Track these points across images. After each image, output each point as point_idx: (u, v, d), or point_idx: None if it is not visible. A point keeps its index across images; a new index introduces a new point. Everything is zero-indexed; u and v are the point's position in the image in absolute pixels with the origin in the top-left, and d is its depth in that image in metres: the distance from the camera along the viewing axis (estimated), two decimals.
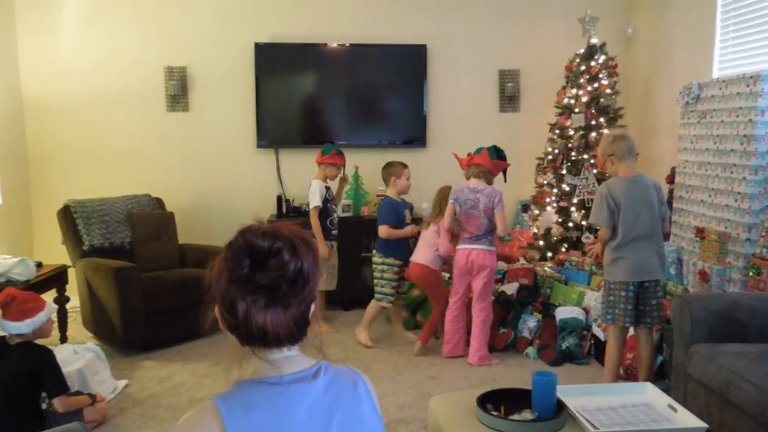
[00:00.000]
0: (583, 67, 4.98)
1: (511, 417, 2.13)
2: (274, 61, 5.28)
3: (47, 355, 2.80)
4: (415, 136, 5.49)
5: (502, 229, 3.96)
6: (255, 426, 1.01)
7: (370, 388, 1.19)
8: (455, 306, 4.03)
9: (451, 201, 3.98)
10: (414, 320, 4.69)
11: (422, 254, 4.15)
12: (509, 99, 5.62)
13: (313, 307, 1.13)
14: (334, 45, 5.33)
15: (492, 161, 4.03)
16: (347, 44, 5.34)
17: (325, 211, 4.52)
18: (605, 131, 4.86)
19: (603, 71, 4.93)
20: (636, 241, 3.19)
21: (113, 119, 5.22)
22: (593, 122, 4.90)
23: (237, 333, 1.06)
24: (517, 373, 3.82)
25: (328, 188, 4.58)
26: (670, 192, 4.39)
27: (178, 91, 5.23)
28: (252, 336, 1.05)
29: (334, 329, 4.59)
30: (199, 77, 5.30)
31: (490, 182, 4.03)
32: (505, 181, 4.21)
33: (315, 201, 4.45)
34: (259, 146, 5.36)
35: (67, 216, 4.51)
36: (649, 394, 2.32)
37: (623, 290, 3.21)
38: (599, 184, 4.75)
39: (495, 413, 2.14)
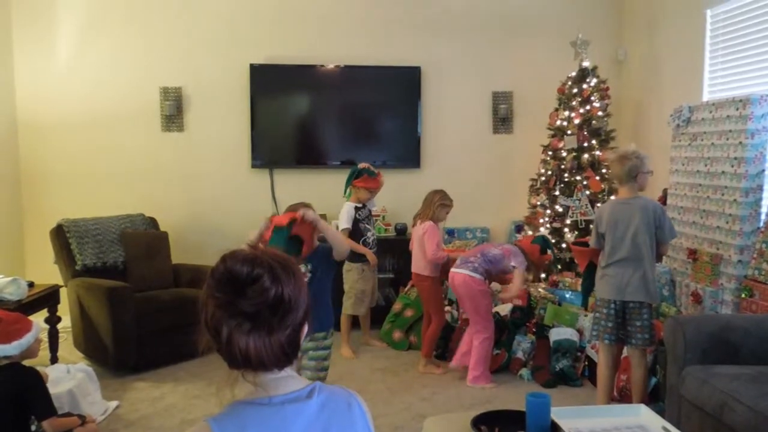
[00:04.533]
0: (575, 90, 5.04)
1: None
2: (269, 82, 5.32)
3: (36, 377, 2.76)
4: (409, 157, 5.52)
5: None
6: None
7: (365, 408, 1.19)
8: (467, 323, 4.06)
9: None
10: (407, 341, 4.67)
11: (414, 262, 4.24)
12: (502, 120, 5.68)
13: (305, 330, 1.13)
14: (329, 66, 5.38)
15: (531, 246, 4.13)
16: (342, 65, 5.39)
17: (356, 233, 4.48)
18: (598, 153, 4.91)
19: (595, 94, 4.99)
20: (621, 262, 3.23)
21: (108, 139, 5.22)
22: (585, 144, 4.95)
23: (223, 356, 1.08)
24: (510, 394, 3.80)
25: (360, 208, 4.53)
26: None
27: (174, 111, 5.26)
28: (236, 360, 1.06)
29: (356, 356, 4.53)
30: (194, 97, 5.33)
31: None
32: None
33: (342, 224, 4.45)
34: (253, 166, 5.38)
35: (60, 235, 4.49)
36: (644, 416, 2.31)
37: (605, 307, 3.28)
38: (592, 206, 4.80)
39: None
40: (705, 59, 4.43)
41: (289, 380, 1.12)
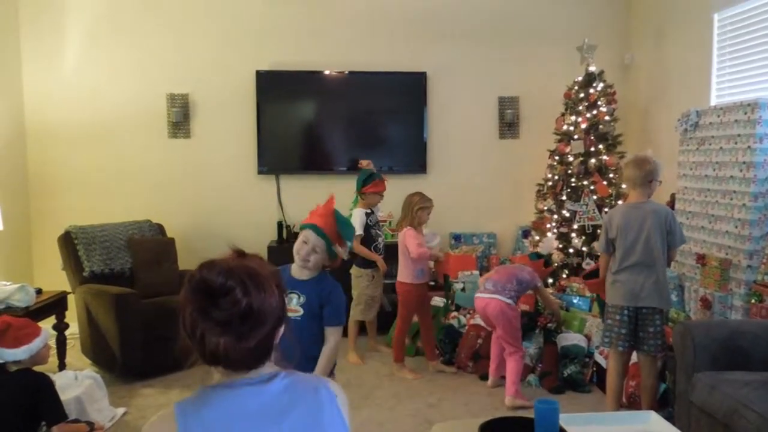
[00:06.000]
0: (581, 95, 5.03)
1: None
2: (275, 88, 5.33)
3: (46, 382, 2.78)
4: (415, 163, 5.52)
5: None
6: (204, 423, 1.10)
7: (335, 394, 1.24)
8: (497, 336, 3.97)
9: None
10: (414, 347, 4.66)
11: (400, 271, 4.24)
12: (509, 125, 5.67)
13: (279, 333, 1.19)
14: (335, 72, 5.40)
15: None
16: (348, 71, 5.40)
17: (368, 238, 4.48)
18: (605, 157, 4.89)
19: (601, 98, 4.98)
20: (632, 267, 3.20)
21: (115, 146, 5.25)
22: (592, 149, 4.93)
23: (198, 353, 1.16)
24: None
25: (369, 214, 4.53)
26: None
27: (180, 118, 5.28)
28: (208, 357, 1.14)
29: (363, 362, 4.52)
30: (200, 104, 5.35)
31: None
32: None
33: (356, 230, 4.39)
34: (259, 172, 5.39)
35: (68, 242, 4.51)
36: (653, 422, 2.29)
37: (618, 314, 3.24)
38: (599, 211, 4.78)
39: None
40: (713, 63, 4.41)
41: (257, 371, 1.18)
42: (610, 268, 3.31)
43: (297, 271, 2.46)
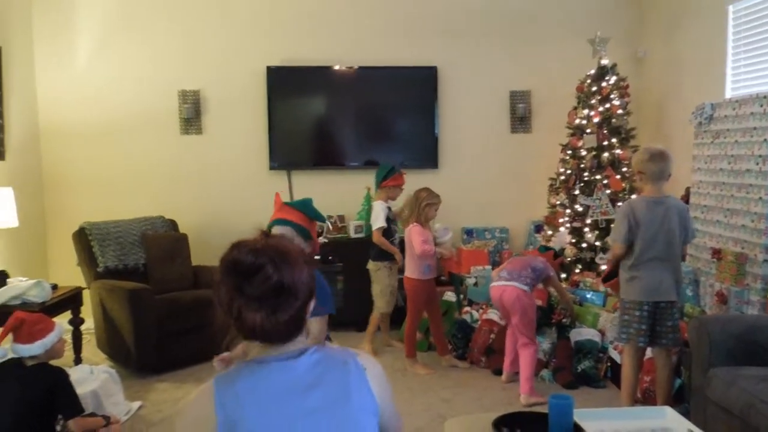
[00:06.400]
0: (594, 88, 4.99)
1: None
2: (285, 83, 5.34)
3: (62, 377, 2.81)
4: (427, 158, 5.51)
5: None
6: (237, 395, 1.16)
7: (364, 367, 1.26)
8: (512, 331, 3.95)
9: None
10: (427, 342, 4.66)
11: (408, 266, 4.23)
12: (520, 120, 5.64)
13: (311, 306, 1.25)
14: (346, 67, 5.39)
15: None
16: (359, 66, 5.39)
17: (388, 231, 4.47)
18: (618, 151, 4.86)
19: (614, 92, 4.94)
20: (652, 262, 3.15)
21: (128, 143, 5.28)
22: (605, 143, 4.90)
23: (236, 328, 1.21)
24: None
25: (389, 209, 4.53)
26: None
27: (192, 114, 5.30)
28: (246, 332, 1.20)
29: (377, 356, 4.47)
30: (212, 100, 5.37)
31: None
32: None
33: (379, 222, 4.41)
34: (271, 168, 5.40)
35: (83, 238, 4.54)
36: (669, 418, 2.28)
37: (637, 310, 3.18)
38: (612, 205, 4.74)
39: None
40: (727, 55, 4.36)
41: (290, 345, 1.24)
42: (624, 262, 3.26)
43: None
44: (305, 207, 2.69)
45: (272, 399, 1.17)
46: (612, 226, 4.76)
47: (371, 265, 4.51)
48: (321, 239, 4.81)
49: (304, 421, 1.17)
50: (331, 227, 5.17)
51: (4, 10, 4.70)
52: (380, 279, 4.49)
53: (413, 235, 4.11)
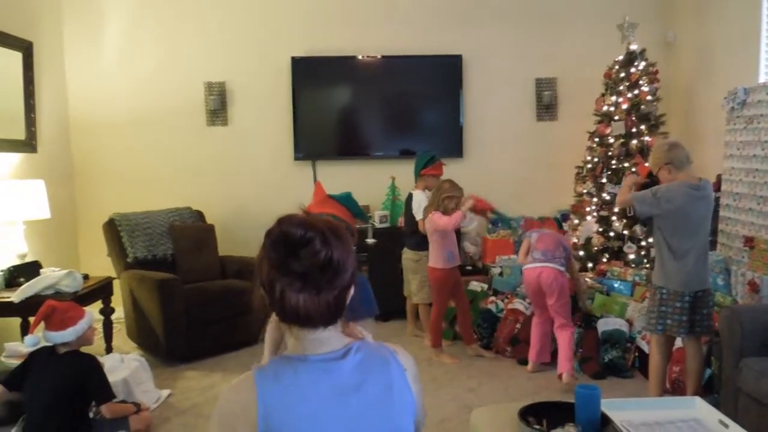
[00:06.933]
0: (622, 74, 4.90)
1: (554, 430, 2.09)
2: (310, 74, 5.35)
3: (94, 363, 2.87)
4: (452, 147, 5.47)
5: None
6: (281, 396, 1.13)
7: (405, 368, 1.24)
8: (539, 317, 3.95)
9: (526, 235, 4.02)
10: (453, 331, 4.65)
11: (431, 256, 4.20)
12: (546, 108, 5.57)
13: (351, 293, 1.20)
14: (370, 57, 5.37)
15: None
16: (383, 56, 5.37)
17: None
18: (647, 138, 4.77)
19: (643, 78, 4.84)
20: (692, 251, 3.07)
21: (155, 135, 5.35)
22: (634, 130, 4.81)
23: (276, 311, 1.17)
24: (558, 386, 3.74)
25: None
26: (716, 200, 4.26)
27: (218, 105, 5.35)
28: (287, 315, 1.16)
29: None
30: (237, 92, 5.40)
31: None
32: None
33: (420, 213, 4.37)
34: (296, 158, 5.43)
35: (112, 229, 4.63)
36: (699, 409, 2.24)
37: (678, 301, 3.08)
38: None
39: (537, 427, 2.10)
40: (761, 38, 4.24)
41: (330, 340, 1.20)
42: (662, 251, 3.14)
43: None
44: (349, 202, 2.57)
45: (318, 402, 1.14)
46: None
47: (411, 255, 4.47)
48: (370, 240, 4.75)
49: (349, 424, 1.15)
50: (370, 230, 5.10)
51: (35, 7, 4.78)
52: (418, 269, 4.45)
53: (434, 217, 4.08)
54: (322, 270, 1.13)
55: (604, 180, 4.90)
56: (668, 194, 3.06)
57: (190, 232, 4.84)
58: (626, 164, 4.78)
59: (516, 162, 5.56)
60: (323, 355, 1.18)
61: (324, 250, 1.13)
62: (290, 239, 1.14)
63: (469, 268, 5.11)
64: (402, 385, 1.21)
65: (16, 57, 4.48)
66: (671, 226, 3.08)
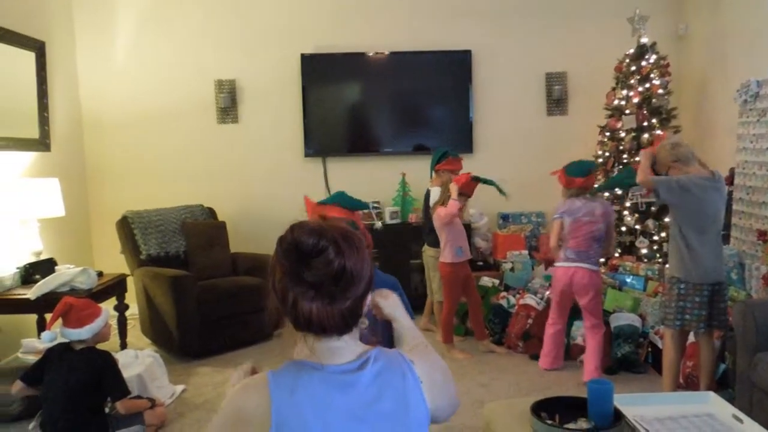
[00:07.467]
0: (633, 68, 4.87)
1: (567, 426, 2.09)
2: (320, 71, 5.35)
3: (109, 360, 2.90)
4: (462, 142, 5.46)
5: (611, 244, 3.80)
6: (296, 407, 1.10)
7: (421, 380, 1.21)
8: (557, 322, 3.86)
9: (556, 217, 3.72)
10: (464, 327, 4.66)
11: (441, 251, 4.18)
12: (557, 102, 5.55)
13: (367, 301, 1.17)
14: (379, 53, 5.37)
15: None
16: (392, 52, 5.37)
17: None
18: (659, 132, 4.73)
19: (654, 71, 4.81)
20: (709, 242, 3.06)
21: (167, 133, 5.39)
22: (645, 123, 4.78)
23: (289, 318, 1.14)
24: (570, 381, 3.74)
25: None
26: (730, 194, 4.23)
27: (228, 103, 5.37)
28: (300, 323, 1.12)
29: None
30: (247, 89, 5.42)
31: None
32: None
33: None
34: (306, 155, 5.44)
35: (126, 226, 4.66)
36: (712, 403, 2.23)
37: (698, 295, 3.06)
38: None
39: (550, 422, 2.10)
40: None
41: (344, 350, 1.17)
42: (677, 244, 3.09)
43: None
44: (340, 199, 2.53)
45: (333, 417, 1.11)
46: (653, 208, 4.67)
47: (432, 252, 4.42)
48: (378, 224, 4.75)
49: None
50: (374, 214, 5.12)
51: (46, 7, 4.82)
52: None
53: (438, 212, 4.09)
54: (336, 280, 1.10)
55: (615, 174, 4.87)
56: (688, 184, 3.03)
57: (202, 229, 4.87)
58: (637, 158, 4.74)
59: (526, 157, 5.54)
60: (340, 366, 1.15)
61: (337, 260, 1.09)
62: (302, 248, 1.10)
63: (480, 263, 5.11)
64: (418, 399, 1.19)
65: (29, 57, 4.52)
66: (689, 217, 3.06)
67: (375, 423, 1.13)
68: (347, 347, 1.17)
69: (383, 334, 1.31)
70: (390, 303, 1.47)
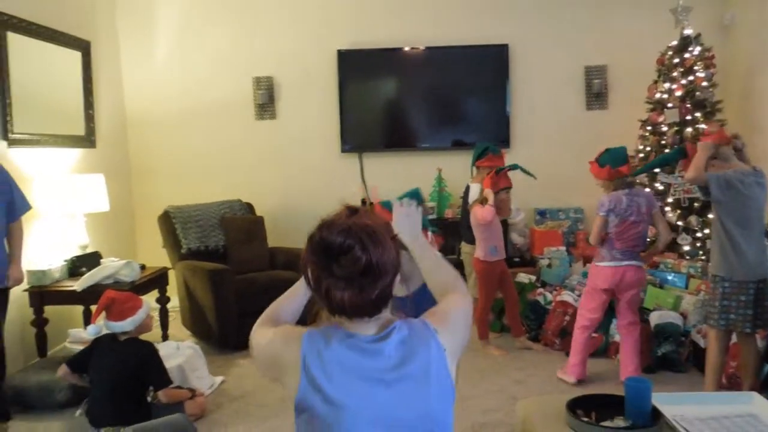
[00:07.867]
0: (676, 60, 4.75)
1: (603, 424, 2.07)
2: (356, 66, 5.38)
3: (152, 350, 2.99)
4: (499, 137, 5.41)
5: (666, 231, 3.61)
6: (323, 361, 1.21)
7: (444, 347, 1.26)
8: (591, 326, 3.69)
9: (602, 214, 3.52)
10: (500, 323, 4.63)
11: (477, 248, 4.17)
12: (596, 96, 5.45)
13: (396, 282, 1.25)
14: (415, 48, 5.37)
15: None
16: (428, 47, 5.35)
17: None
18: (703, 126, 4.61)
19: (698, 63, 4.68)
20: (753, 239, 2.99)
21: (206, 130, 5.50)
22: (688, 117, 4.66)
23: (323, 305, 1.25)
24: (607, 379, 3.68)
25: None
26: None
27: (266, 100, 5.44)
28: (334, 308, 1.22)
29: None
30: (285, 86, 5.49)
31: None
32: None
33: None
34: (343, 151, 5.48)
35: (167, 221, 4.78)
36: (756, 404, 2.18)
37: (743, 294, 2.98)
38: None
39: (586, 419, 2.08)
40: None
41: (373, 324, 1.26)
42: (721, 241, 3.02)
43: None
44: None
45: (357, 381, 1.20)
46: (696, 204, 4.55)
47: (469, 249, 4.36)
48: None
49: (384, 403, 1.20)
50: (428, 209, 5.08)
51: (91, 8, 4.97)
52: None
53: (476, 210, 4.07)
54: (364, 275, 1.18)
55: (657, 169, 4.77)
56: (733, 179, 2.98)
57: (240, 223, 4.96)
58: None
59: (565, 152, 5.46)
60: (368, 336, 1.24)
61: (364, 257, 1.17)
62: (330, 247, 1.18)
63: (517, 259, 5.07)
64: (440, 367, 1.24)
65: (76, 56, 4.67)
66: (733, 213, 2.99)
67: (398, 387, 1.20)
68: (376, 322, 1.26)
69: (412, 310, 1.35)
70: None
